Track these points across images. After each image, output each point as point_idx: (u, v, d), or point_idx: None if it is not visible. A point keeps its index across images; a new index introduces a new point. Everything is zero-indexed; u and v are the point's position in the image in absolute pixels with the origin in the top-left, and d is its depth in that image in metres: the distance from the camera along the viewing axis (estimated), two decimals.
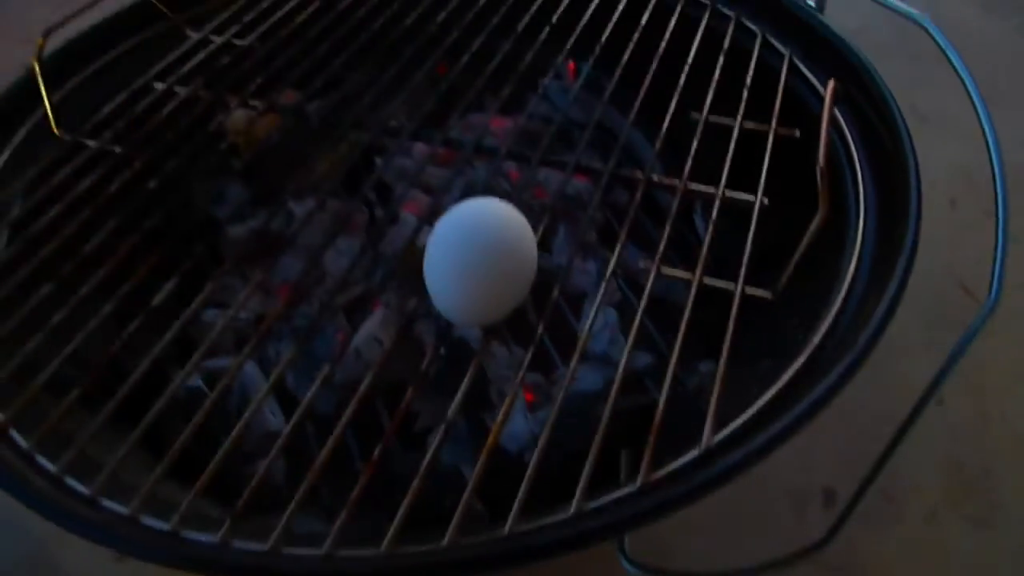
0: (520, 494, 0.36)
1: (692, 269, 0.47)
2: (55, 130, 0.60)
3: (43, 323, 0.46)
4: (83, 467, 0.40)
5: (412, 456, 0.52)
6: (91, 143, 0.59)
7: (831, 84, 0.47)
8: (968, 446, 0.88)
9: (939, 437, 0.88)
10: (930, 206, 1.30)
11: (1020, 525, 0.82)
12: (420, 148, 0.72)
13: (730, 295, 0.45)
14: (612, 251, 0.49)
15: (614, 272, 0.49)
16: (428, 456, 0.38)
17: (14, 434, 0.41)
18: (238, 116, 0.66)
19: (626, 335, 0.54)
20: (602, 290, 0.48)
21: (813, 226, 0.42)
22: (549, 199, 0.65)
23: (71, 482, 0.39)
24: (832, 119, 0.44)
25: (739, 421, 0.39)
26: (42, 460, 0.40)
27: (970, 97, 0.54)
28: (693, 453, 0.38)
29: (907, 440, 0.96)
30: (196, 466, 0.39)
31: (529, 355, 0.44)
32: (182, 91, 0.63)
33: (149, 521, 0.37)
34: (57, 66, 0.64)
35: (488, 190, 0.64)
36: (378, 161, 0.71)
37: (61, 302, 0.47)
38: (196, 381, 0.55)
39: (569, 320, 0.61)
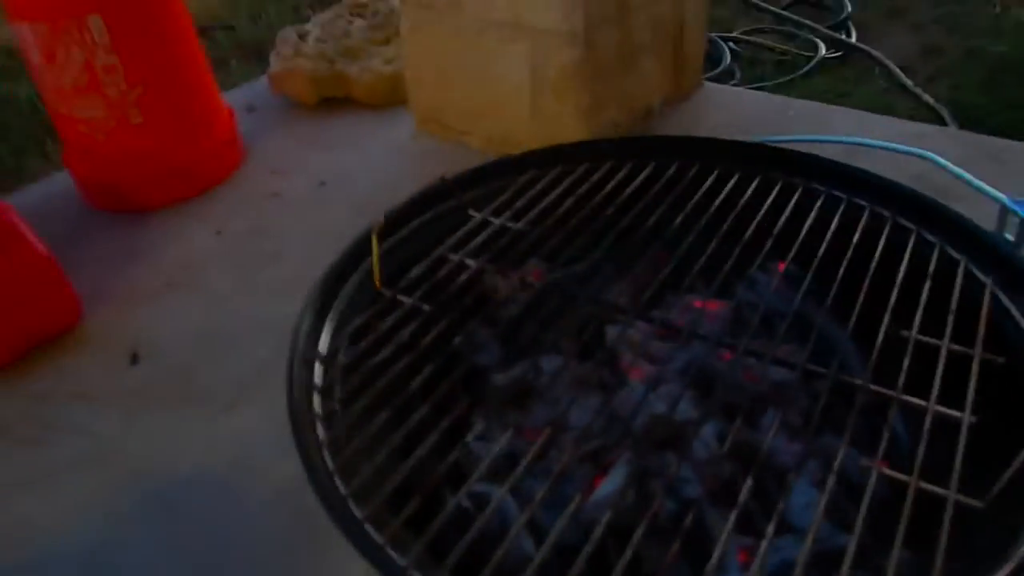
0: None
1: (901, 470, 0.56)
2: (378, 286, 0.78)
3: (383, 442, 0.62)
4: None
5: None
6: (406, 299, 0.76)
7: None
8: None
9: None
10: None
11: None
12: (643, 325, 0.85)
13: (940, 499, 0.54)
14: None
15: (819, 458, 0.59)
16: None
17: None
18: (506, 285, 0.82)
19: (830, 517, 0.63)
20: (806, 471, 0.59)
21: None
22: (759, 383, 0.76)
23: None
24: None
25: None
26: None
27: None
28: None
29: None
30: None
31: (732, 518, 0.57)
32: (471, 263, 0.81)
33: None
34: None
35: (703, 367, 0.77)
36: (609, 331, 0.85)
37: (397, 425, 0.63)
38: (465, 502, 0.68)
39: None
